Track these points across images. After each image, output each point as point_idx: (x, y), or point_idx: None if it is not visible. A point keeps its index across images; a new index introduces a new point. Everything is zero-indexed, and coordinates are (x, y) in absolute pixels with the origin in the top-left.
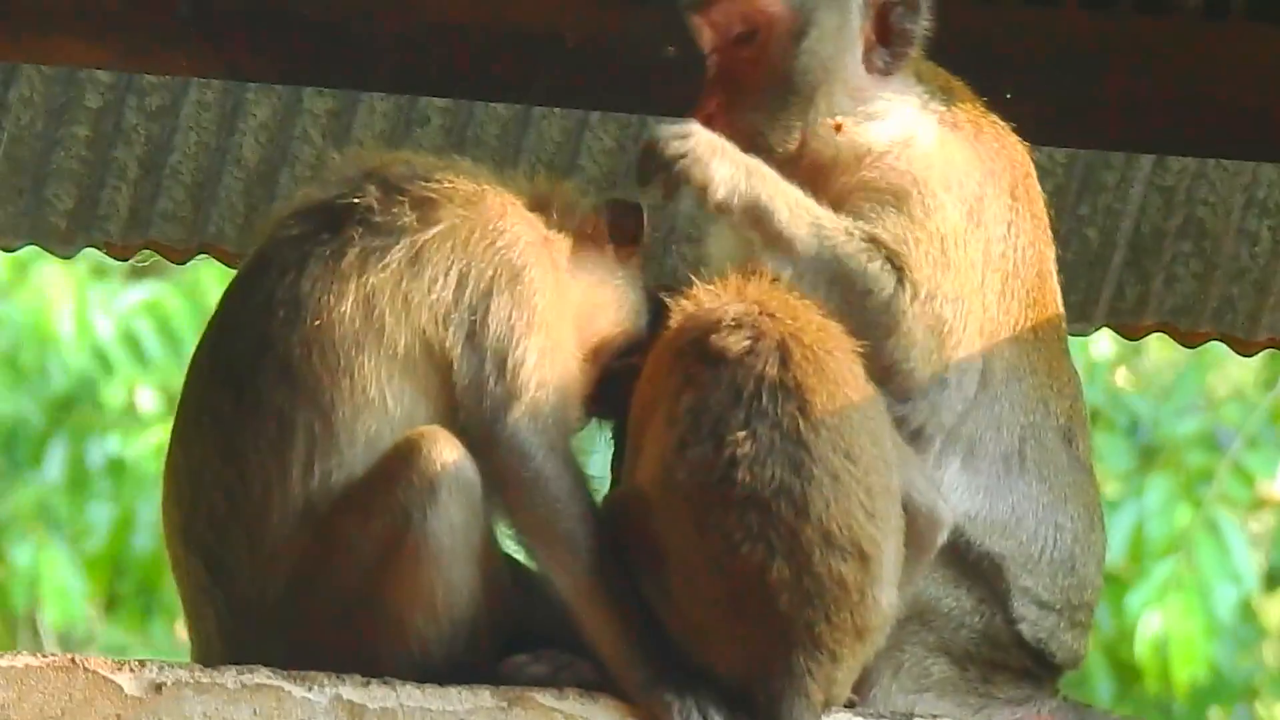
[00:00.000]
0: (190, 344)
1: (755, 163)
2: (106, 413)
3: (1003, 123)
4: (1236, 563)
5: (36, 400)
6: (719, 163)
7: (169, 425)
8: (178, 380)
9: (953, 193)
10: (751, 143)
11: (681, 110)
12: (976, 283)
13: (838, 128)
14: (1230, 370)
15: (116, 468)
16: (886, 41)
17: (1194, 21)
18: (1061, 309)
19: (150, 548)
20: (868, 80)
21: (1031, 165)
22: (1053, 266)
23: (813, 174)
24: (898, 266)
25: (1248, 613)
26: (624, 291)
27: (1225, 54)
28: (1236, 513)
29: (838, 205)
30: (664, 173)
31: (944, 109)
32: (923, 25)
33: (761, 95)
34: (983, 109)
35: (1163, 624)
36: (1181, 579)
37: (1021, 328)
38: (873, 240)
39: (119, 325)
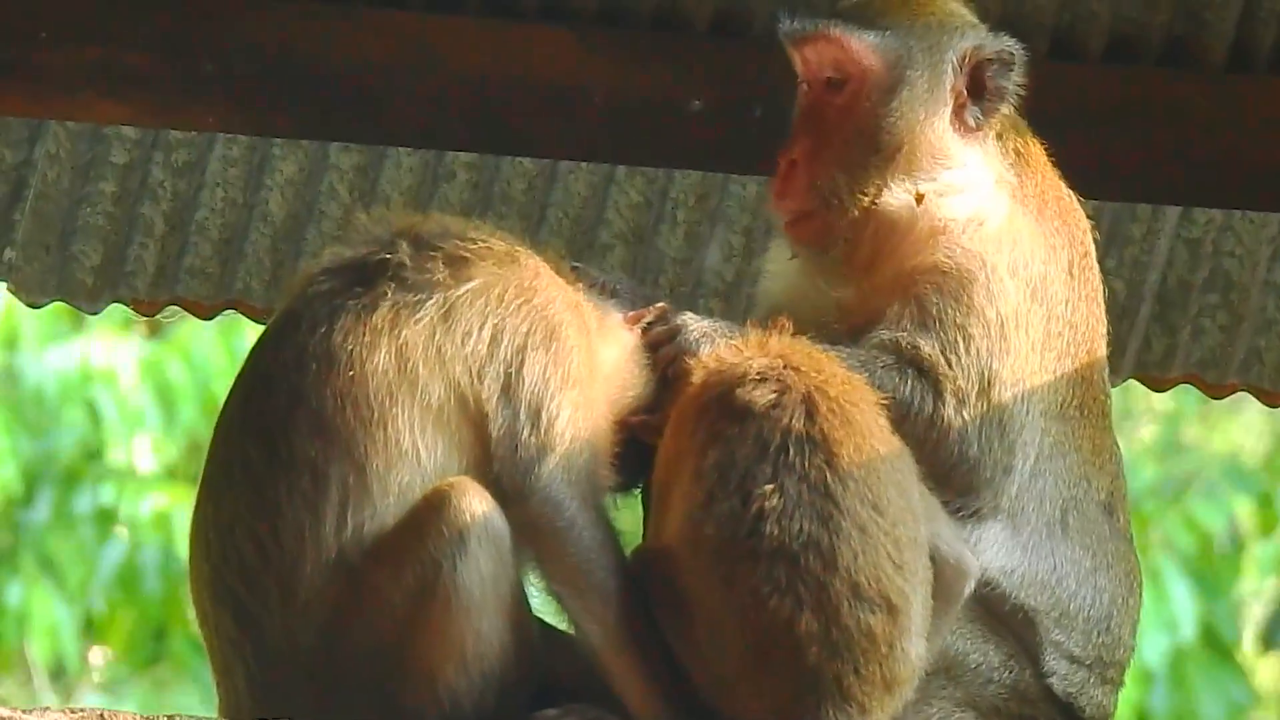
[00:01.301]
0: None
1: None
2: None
3: (1068, 193)
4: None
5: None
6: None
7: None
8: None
9: (1018, 276)
10: (824, 200)
11: (709, 164)
12: (1036, 363)
13: (919, 199)
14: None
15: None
16: (978, 96)
17: (1218, 75)
18: (1108, 385)
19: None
20: (951, 140)
21: (1091, 241)
22: (1103, 343)
23: (887, 233)
24: (934, 379)
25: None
26: (642, 357)
27: (1250, 107)
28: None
29: (906, 282)
30: (670, 350)
31: (1015, 181)
32: (1015, 82)
33: (845, 149)
34: (1053, 178)
35: None
36: None
37: (1069, 405)
38: (904, 359)
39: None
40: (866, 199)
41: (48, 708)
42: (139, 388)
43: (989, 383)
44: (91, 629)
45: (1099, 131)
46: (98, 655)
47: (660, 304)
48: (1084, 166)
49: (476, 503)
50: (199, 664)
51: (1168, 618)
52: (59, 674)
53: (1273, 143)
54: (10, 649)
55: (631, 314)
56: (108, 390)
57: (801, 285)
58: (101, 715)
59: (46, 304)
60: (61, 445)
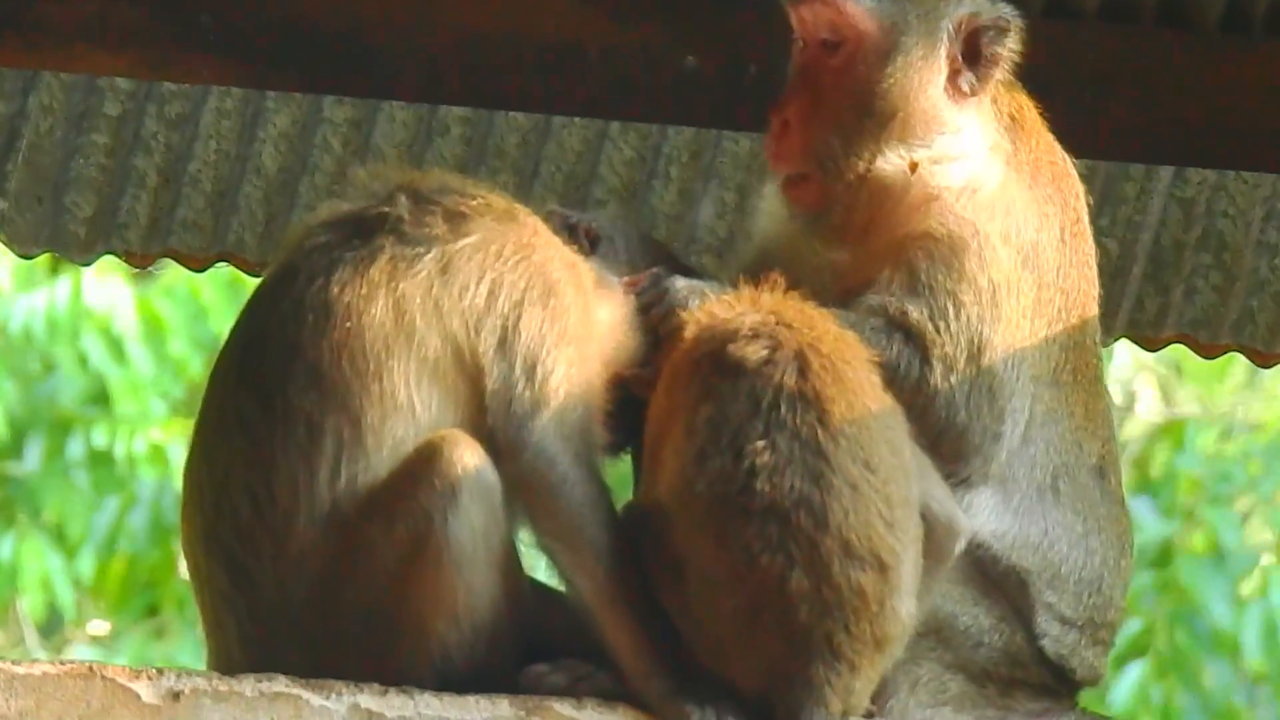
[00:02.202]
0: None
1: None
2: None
3: (1062, 156)
4: None
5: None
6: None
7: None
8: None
9: (1011, 243)
10: (820, 164)
11: (703, 120)
12: (1027, 330)
13: (913, 168)
14: None
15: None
16: (973, 62)
17: (1213, 35)
18: (1100, 349)
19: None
20: (946, 106)
21: (1084, 206)
22: (1095, 306)
23: (880, 200)
24: (921, 345)
25: None
26: (636, 321)
27: (1245, 67)
28: None
29: (898, 249)
30: (660, 309)
31: (1010, 147)
32: (1010, 48)
33: (839, 113)
34: (1048, 141)
35: None
36: None
37: (1062, 371)
38: (893, 323)
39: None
40: (861, 165)
41: (37, 659)
42: (130, 325)
43: (979, 349)
44: (84, 583)
45: (1093, 91)
46: (98, 629)
47: (654, 269)
48: (1078, 125)
49: (468, 455)
50: (193, 617)
51: None
52: (51, 630)
53: (1266, 103)
54: (3, 603)
55: (627, 280)
56: (95, 330)
57: (796, 246)
58: (90, 667)
59: (38, 254)
60: (53, 389)
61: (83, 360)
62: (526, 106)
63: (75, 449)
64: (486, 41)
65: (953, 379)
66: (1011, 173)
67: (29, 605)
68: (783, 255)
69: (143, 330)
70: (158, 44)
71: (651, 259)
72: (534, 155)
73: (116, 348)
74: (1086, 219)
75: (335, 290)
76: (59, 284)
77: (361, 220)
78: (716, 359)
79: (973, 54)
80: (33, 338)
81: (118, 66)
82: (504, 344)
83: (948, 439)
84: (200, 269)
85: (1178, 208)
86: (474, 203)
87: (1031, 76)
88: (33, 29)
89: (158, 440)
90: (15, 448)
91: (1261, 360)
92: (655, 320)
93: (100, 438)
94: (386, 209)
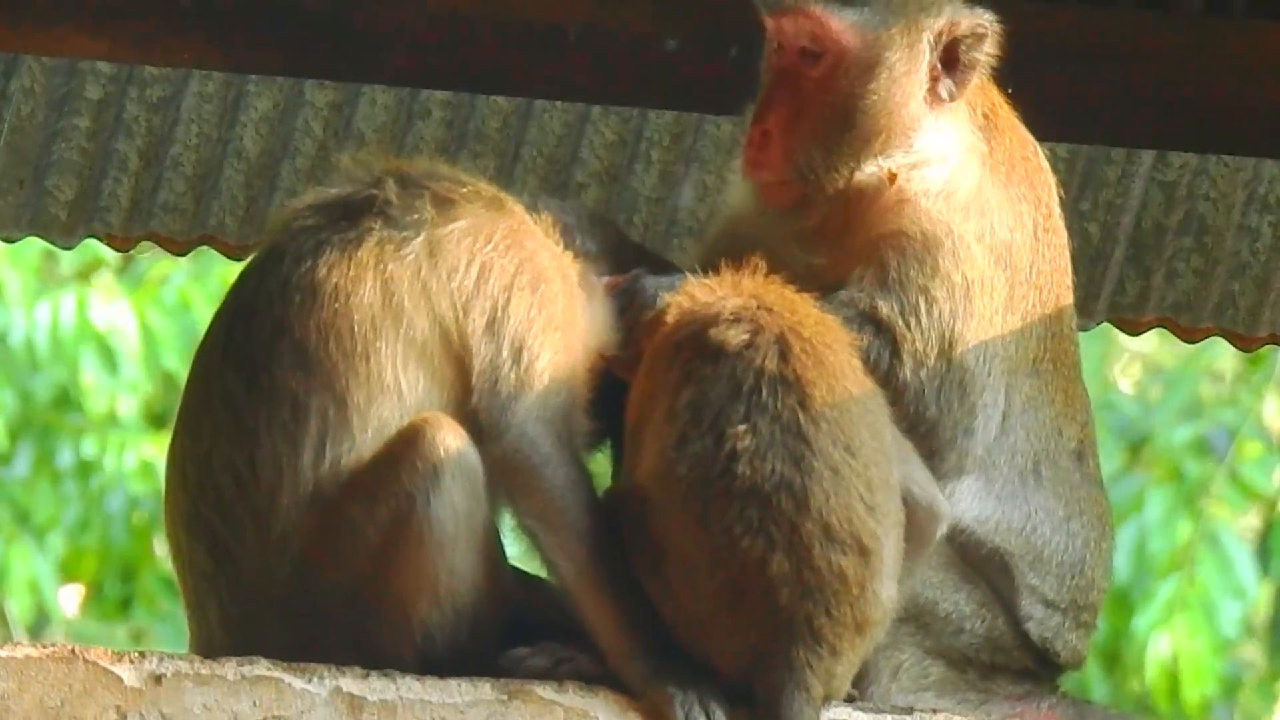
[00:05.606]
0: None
1: None
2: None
3: (1035, 149)
4: (1240, 576)
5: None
6: None
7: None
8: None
9: (984, 242)
10: (801, 176)
11: (684, 104)
12: (1000, 326)
13: (891, 177)
14: (1222, 367)
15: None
16: (952, 69)
17: (1195, 18)
18: (1076, 335)
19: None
20: (925, 114)
21: (1055, 198)
22: (1069, 295)
23: (857, 204)
24: (891, 339)
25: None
26: (615, 320)
27: (1226, 50)
28: (1236, 522)
29: (872, 248)
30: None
31: (985, 147)
32: (988, 53)
33: (821, 127)
34: (1021, 136)
35: (1171, 645)
36: (1186, 598)
37: (1041, 361)
38: (863, 317)
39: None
40: (841, 179)
41: (19, 643)
42: (123, 338)
43: (950, 344)
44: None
45: (1075, 73)
46: (69, 597)
47: (634, 272)
48: (1060, 108)
49: (450, 438)
50: (174, 610)
51: None
52: (38, 629)
53: (1248, 86)
54: None
55: (608, 280)
56: (91, 344)
57: (772, 247)
58: (73, 650)
59: (20, 239)
60: (42, 398)
61: (76, 372)
62: (508, 90)
63: (65, 458)
64: (468, 25)
65: (923, 374)
66: (987, 173)
67: (17, 608)
68: (757, 250)
69: (142, 348)
70: (139, 27)
71: (603, 241)
72: (515, 138)
73: (111, 362)
74: (1059, 211)
75: (323, 271)
76: (64, 298)
77: (349, 203)
78: (698, 342)
79: (951, 61)
80: (34, 349)
81: (99, 50)
82: (492, 325)
83: (918, 434)
84: (181, 252)
85: (1159, 191)
86: (462, 190)
87: (1013, 60)
88: (13, 11)
89: (149, 456)
90: (6, 455)
91: (1243, 344)
92: (629, 322)
93: (90, 448)
94: (374, 192)
